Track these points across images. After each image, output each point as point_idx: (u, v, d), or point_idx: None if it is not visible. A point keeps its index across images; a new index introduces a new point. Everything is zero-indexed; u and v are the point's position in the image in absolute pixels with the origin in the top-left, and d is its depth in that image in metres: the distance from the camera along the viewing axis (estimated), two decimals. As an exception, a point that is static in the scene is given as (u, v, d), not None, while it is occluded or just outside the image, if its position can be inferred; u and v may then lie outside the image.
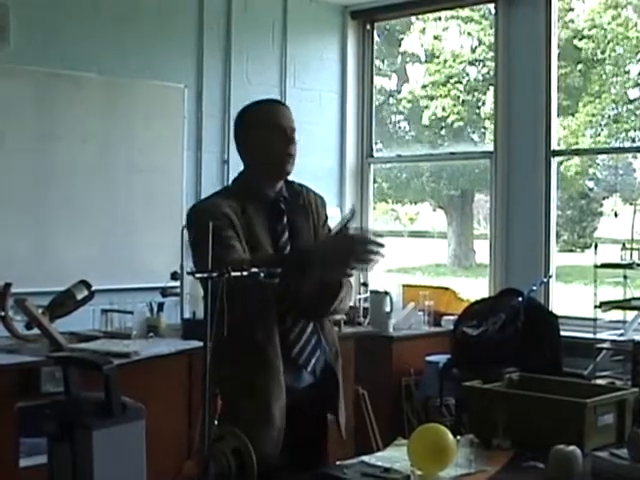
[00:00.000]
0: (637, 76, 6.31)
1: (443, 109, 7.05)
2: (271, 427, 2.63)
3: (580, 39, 6.50)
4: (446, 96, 7.03)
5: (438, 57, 7.13)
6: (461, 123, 7.03)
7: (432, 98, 7.15)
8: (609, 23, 6.38)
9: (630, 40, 6.24)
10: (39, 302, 4.36)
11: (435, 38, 7.11)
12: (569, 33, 6.35)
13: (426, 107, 7.17)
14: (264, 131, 2.79)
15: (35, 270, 4.95)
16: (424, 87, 7.20)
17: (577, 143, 6.42)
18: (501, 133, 5.88)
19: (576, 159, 6.59)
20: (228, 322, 2.51)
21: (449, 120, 7.05)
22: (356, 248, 2.51)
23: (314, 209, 2.91)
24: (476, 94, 6.97)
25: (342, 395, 2.89)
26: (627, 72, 6.43)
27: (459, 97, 7.02)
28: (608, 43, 6.41)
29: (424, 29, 7.12)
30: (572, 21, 6.41)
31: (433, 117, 7.11)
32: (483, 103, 6.82)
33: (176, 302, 5.09)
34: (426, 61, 7.19)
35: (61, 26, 5.12)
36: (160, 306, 4.91)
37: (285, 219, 2.83)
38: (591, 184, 7.39)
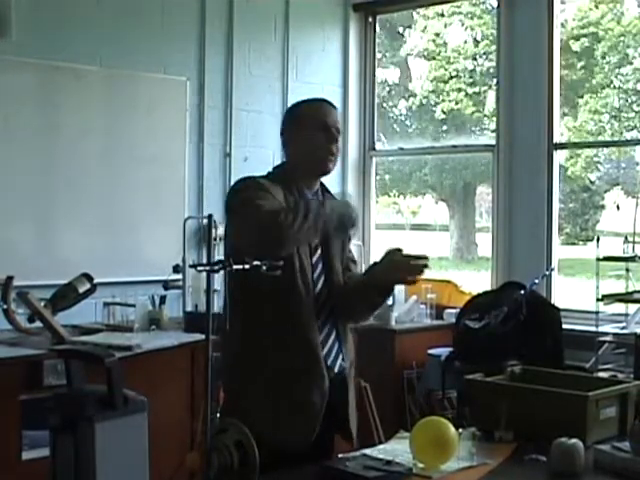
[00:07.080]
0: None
1: (446, 102, 7.05)
2: (311, 413, 2.69)
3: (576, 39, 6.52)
4: (448, 90, 7.02)
5: (440, 52, 7.11)
6: (463, 116, 7.02)
7: (434, 91, 7.15)
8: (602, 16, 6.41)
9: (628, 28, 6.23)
10: (41, 295, 4.37)
11: (437, 35, 7.09)
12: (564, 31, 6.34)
13: (429, 100, 7.16)
14: (310, 129, 2.81)
15: (37, 263, 4.95)
16: (427, 80, 7.19)
17: (571, 141, 6.41)
18: (503, 126, 5.86)
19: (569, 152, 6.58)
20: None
21: (452, 113, 7.04)
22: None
23: None
24: (478, 88, 6.96)
25: (353, 405, 2.93)
26: (631, 63, 6.42)
27: (461, 90, 7.01)
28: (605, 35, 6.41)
29: (426, 25, 7.11)
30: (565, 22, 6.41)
31: (435, 109, 7.10)
32: (485, 96, 6.80)
33: (178, 295, 5.09)
34: (428, 55, 7.17)
35: (63, 18, 5.11)
36: (162, 299, 4.91)
37: None
38: (593, 177, 7.38)
